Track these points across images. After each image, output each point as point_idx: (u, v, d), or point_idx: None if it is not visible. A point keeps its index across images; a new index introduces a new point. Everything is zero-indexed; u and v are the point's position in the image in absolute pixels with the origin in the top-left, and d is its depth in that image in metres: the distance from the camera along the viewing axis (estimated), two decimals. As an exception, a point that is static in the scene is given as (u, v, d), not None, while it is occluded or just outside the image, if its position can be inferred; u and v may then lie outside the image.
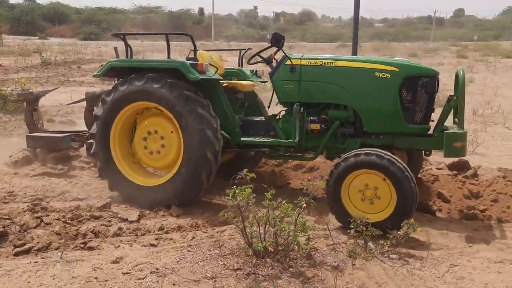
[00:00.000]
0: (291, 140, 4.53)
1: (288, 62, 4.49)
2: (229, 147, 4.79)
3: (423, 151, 4.71)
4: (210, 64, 4.78)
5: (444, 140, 4.04)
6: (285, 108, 4.77)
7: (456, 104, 4.21)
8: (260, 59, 4.81)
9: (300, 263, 3.34)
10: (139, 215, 4.30)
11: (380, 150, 3.92)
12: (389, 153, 3.89)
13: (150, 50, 27.25)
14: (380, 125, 4.37)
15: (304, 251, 3.44)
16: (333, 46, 43.83)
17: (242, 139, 4.75)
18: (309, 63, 4.48)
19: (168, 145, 4.56)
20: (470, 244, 3.87)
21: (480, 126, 8.40)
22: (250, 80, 5.37)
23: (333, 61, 4.44)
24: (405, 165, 3.84)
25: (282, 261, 3.32)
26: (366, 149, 3.97)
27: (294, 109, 4.50)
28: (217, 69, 4.92)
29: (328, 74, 4.42)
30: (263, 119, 4.95)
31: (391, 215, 3.81)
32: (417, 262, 3.49)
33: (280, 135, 4.66)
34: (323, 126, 4.50)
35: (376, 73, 4.27)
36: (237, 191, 3.26)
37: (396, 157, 3.87)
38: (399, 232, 3.62)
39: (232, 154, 5.29)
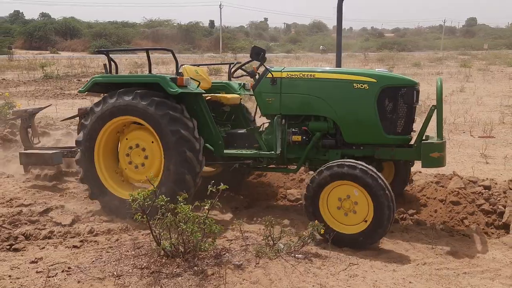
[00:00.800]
0: (273, 152, 4.57)
1: (270, 75, 4.54)
2: (213, 159, 4.88)
3: (409, 162, 4.75)
4: (192, 78, 4.87)
5: (422, 150, 4.07)
6: (269, 120, 4.83)
7: (431, 114, 4.21)
8: (244, 73, 4.90)
9: (207, 262, 3.54)
10: (73, 219, 4.54)
11: (352, 161, 3.92)
12: (362, 163, 3.89)
13: (156, 63, 27.80)
14: (359, 136, 4.41)
15: (214, 251, 3.65)
16: (343, 55, 44.07)
17: (225, 151, 4.80)
18: (289, 75, 4.52)
19: (150, 156, 4.64)
20: (380, 245, 4.03)
21: (446, 134, 8.48)
22: (237, 93, 5.44)
23: (312, 73, 4.49)
24: (379, 174, 3.85)
25: (190, 260, 3.52)
26: (340, 160, 4.00)
27: (275, 121, 4.56)
28: (199, 83, 4.96)
29: (308, 86, 4.47)
30: (246, 131, 4.96)
31: (367, 227, 3.84)
32: (319, 261, 3.67)
33: (262, 147, 4.71)
34: (304, 138, 4.54)
35: (354, 84, 4.31)
36: (137, 193, 3.48)
37: (369, 166, 3.88)
38: (304, 232, 3.82)
39: (219, 167, 5.38)
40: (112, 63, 4.96)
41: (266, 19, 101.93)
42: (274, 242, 3.83)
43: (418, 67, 28.16)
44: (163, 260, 3.52)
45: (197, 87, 4.84)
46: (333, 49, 58.23)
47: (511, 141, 8.24)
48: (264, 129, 4.86)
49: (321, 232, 3.79)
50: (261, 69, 4.70)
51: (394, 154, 4.37)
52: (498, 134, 8.76)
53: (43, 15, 74.20)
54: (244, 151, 4.79)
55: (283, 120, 4.60)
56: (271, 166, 4.94)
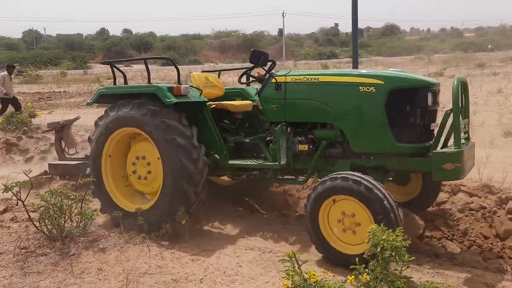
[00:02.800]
0: (277, 163, 4.28)
1: (274, 80, 4.31)
2: (222, 170, 4.74)
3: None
4: (192, 86, 4.69)
5: (432, 161, 3.64)
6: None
7: (446, 119, 3.83)
8: (254, 77, 4.71)
9: (79, 246, 4.03)
10: (5, 208, 5.12)
11: (349, 172, 3.65)
12: (357, 174, 3.57)
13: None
14: (367, 145, 4.01)
15: (94, 237, 4.18)
16: (407, 59, 42.84)
17: (230, 162, 4.58)
18: (294, 80, 4.25)
19: (154, 171, 4.52)
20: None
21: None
22: (252, 100, 5.12)
23: (316, 77, 4.18)
24: (377, 184, 3.50)
25: (67, 244, 4.08)
26: (337, 173, 3.69)
27: (278, 130, 4.27)
28: (201, 91, 4.71)
29: (312, 91, 4.18)
30: (250, 140, 4.75)
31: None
32: (178, 247, 4.07)
33: (267, 157, 4.44)
34: (311, 147, 4.24)
35: (360, 87, 3.92)
36: (13, 183, 4.11)
37: (366, 177, 3.55)
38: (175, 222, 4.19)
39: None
40: (120, 74, 4.96)
41: (336, 25, 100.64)
42: (144, 229, 4.28)
43: (481, 68, 26.65)
44: (45, 243, 4.11)
45: (200, 95, 4.66)
46: (403, 52, 56.83)
47: None
48: (272, 138, 4.52)
49: (183, 223, 4.14)
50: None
51: (407, 165, 3.96)
52: None
53: (125, 31, 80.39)
54: (248, 162, 4.55)
55: (289, 128, 4.34)
56: (279, 177, 4.65)
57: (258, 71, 4.71)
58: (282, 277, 2.47)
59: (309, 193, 3.76)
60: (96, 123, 4.75)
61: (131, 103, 4.44)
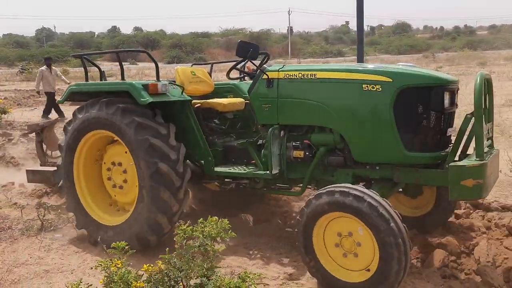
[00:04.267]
0: (268, 172, 3.75)
1: (265, 76, 3.75)
2: (208, 178, 4.25)
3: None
4: (171, 83, 4.24)
5: (449, 176, 3.03)
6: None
7: (466, 126, 3.24)
8: (244, 73, 4.25)
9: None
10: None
11: (349, 185, 3.09)
12: (358, 187, 3.06)
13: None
14: (372, 153, 3.46)
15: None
16: (414, 57, 42.53)
17: (216, 169, 4.07)
18: (287, 76, 3.68)
19: (128, 168, 4.05)
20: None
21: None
22: (245, 97, 4.48)
23: (314, 73, 3.59)
24: (382, 202, 2.95)
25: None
26: (334, 186, 3.14)
27: (269, 133, 3.73)
28: (183, 88, 4.22)
29: (308, 88, 3.61)
30: (238, 145, 4.14)
31: (376, 272, 2.94)
32: (66, 241, 4.22)
33: (258, 165, 3.91)
34: (307, 153, 3.69)
35: (364, 85, 3.35)
36: None
37: (369, 191, 3.00)
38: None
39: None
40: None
41: (347, 23, 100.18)
42: (43, 222, 4.41)
43: (482, 66, 26.37)
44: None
45: (182, 92, 4.16)
46: (411, 50, 56.25)
47: None
48: (263, 142, 3.98)
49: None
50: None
51: (419, 177, 3.40)
52: None
53: (136, 29, 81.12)
54: (237, 170, 4.01)
55: (282, 132, 3.81)
56: (272, 186, 4.11)
57: (248, 66, 4.29)
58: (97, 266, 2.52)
59: (302, 207, 3.22)
60: (65, 128, 4.27)
61: (99, 102, 3.95)
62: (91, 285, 2.44)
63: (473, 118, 3.08)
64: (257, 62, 3.84)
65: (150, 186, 3.69)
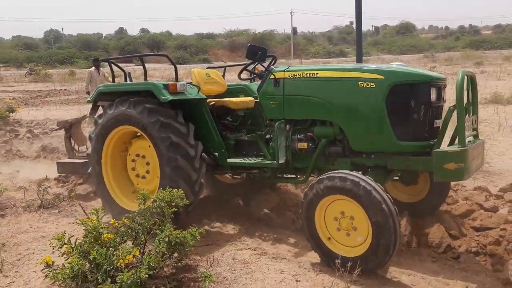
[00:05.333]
0: (275, 162, 4.19)
1: (272, 76, 4.20)
2: (222, 169, 4.70)
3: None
4: (189, 83, 4.68)
5: (434, 160, 3.44)
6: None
7: (449, 116, 3.63)
8: (254, 73, 4.76)
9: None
10: None
11: (347, 171, 3.45)
12: (355, 173, 3.41)
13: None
14: (367, 143, 3.84)
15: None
16: (415, 57, 43.04)
17: (228, 160, 4.51)
18: (292, 75, 4.12)
19: (151, 161, 4.47)
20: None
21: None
22: (255, 96, 4.87)
23: (315, 72, 4.02)
24: (376, 186, 3.30)
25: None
26: (335, 171, 3.51)
27: (276, 127, 4.15)
28: (199, 88, 4.67)
29: (311, 86, 4.03)
30: (248, 138, 4.63)
31: (370, 247, 3.31)
32: (61, 214, 4.96)
33: (266, 155, 4.36)
34: (310, 145, 4.11)
35: (359, 82, 3.75)
36: None
37: (364, 177, 3.36)
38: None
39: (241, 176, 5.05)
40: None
41: (351, 23, 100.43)
42: (42, 200, 5.19)
43: (478, 66, 26.90)
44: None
45: (198, 92, 4.62)
46: (413, 50, 56.61)
47: None
48: (271, 136, 4.40)
49: None
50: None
51: (409, 164, 3.77)
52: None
53: (143, 30, 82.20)
54: (247, 160, 4.47)
55: (288, 126, 4.24)
56: (279, 175, 4.57)
57: (257, 67, 4.68)
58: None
59: (306, 191, 3.60)
60: (95, 122, 4.73)
61: (128, 101, 4.38)
62: (72, 236, 3.19)
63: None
64: (263, 65, 4.30)
65: (170, 178, 4.12)
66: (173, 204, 3.44)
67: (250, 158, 4.52)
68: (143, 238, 3.22)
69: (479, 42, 58.27)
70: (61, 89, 23.12)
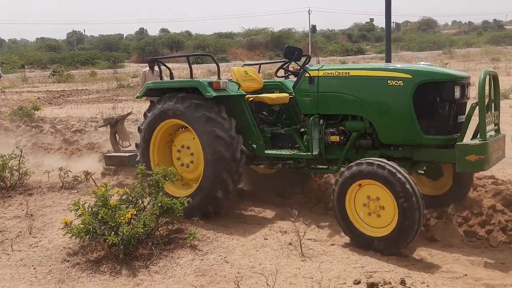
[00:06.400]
0: (309, 153, 4.51)
1: (307, 74, 4.53)
2: (259, 160, 4.99)
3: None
4: (231, 80, 5.02)
5: (456, 152, 3.75)
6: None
7: (472, 112, 3.92)
8: (289, 71, 5.02)
9: (17, 191, 5.83)
10: None
11: (374, 158, 3.83)
12: (381, 160, 3.75)
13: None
14: (395, 136, 4.16)
15: (27, 187, 5.97)
16: (434, 53, 43.03)
17: (266, 151, 4.82)
18: (326, 74, 4.44)
19: (195, 152, 4.80)
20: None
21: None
22: (289, 92, 5.20)
23: (347, 71, 4.36)
24: (400, 169, 3.64)
25: (8, 190, 5.89)
26: (363, 159, 3.86)
27: (311, 122, 4.47)
28: (239, 85, 5.03)
29: (343, 84, 4.35)
30: (285, 132, 4.91)
31: (396, 227, 3.62)
32: (77, 193, 5.77)
33: (301, 147, 4.66)
34: (342, 138, 4.42)
35: (389, 81, 4.07)
36: None
37: (391, 162, 3.70)
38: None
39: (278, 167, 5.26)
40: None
41: (371, 20, 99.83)
42: (63, 182, 6.02)
43: (494, 62, 27.04)
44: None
45: (238, 88, 4.94)
46: (432, 46, 56.22)
47: None
48: (305, 129, 4.71)
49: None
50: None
51: (434, 156, 4.07)
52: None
53: (163, 30, 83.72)
54: (283, 152, 4.77)
55: (321, 120, 4.55)
56: (312, 166, 4.88)
57: (293, 66, 4.98)
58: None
59: (337, 178, 3.94)
60: (145, 114, 5.07)
61: (176, 97, 4.71)
62: (86, 202, 3.99)
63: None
64: (298, 63, 4.73)
65: (213, 168, 4.47)
66: (167, 178, 4.19)
67: (286, 150, 4.81)
68: (141, 203, 4.00)
69: (501, 37, 57.58)
70: (82, 89, 24.25)
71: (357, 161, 3.82)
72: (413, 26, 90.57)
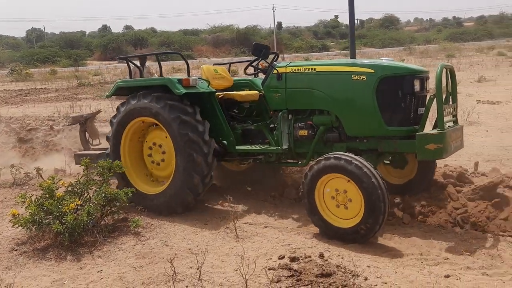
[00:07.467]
0: (279, 148, 4.65)
1: (275, 71, 4.66)
2: (230, 156, 5.10)
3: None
4: (200, 78, 5.05)
5: (416, 142, 3.96)
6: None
7: (430, 104, 4.11)
8: (258, 69, 5.14)
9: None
10: None
11: (342, 153, 3.93)
12: (349, 154, 3.87)
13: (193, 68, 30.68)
14: (360, 129, 4.35)
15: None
16: (396, 50, 44.26)
17: (236, 147, 4.93)
18: (293, 70, 4.58)
19: (167, 150, 4.85)
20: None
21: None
22: (259, 90, 5.31)
23: (314, 67, 4.51)
24: (366, 163, 3.77)
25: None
26: (330, 153, 3.99)
27: (280, 117, 4.62)
28: (209, 82, 5.10)
29: (310, 80, 4.49)
30: (255, 127, 5.04)
31: (362, 218, 3.75)
32: None
33: (271, 142, 4.81)
34: (310, 132, 4.57)
35: (353, 76, 4.24)
36: None
37: (357, 157, 3.83)
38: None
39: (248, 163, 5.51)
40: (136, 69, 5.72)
41: (336, 17, 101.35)
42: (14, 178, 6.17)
43: (449, 58, 28.18)
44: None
45: (208, 86, 5.02)
46: (394, 43, 57.82)
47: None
48: (275, 125, 4.86)
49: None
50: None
51: (397, 147, 4.26)
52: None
53: (127, 27, 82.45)
54: (254, 147, 4.90)
55: (290, 115, 4.70)
56: (282, 160, 5.01)
57: (261, 63, 5.08)
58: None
59: (306, 172, 4.04)
60: (118, 108, 5.08)
61: (151, 95, 4.73)
62: (32, 195, 4.20)
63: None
64: (267, 61, 4.76)
65: (185, 152, 4.52)
66: (112, 170, 4.45)
67: (256, 145, 4.97)
68: (86, 194, 4.24)
69: (459, 34, 59.71)
70: (41, 88, 23.76)
71: (325, 156, 3.97)
72: (376, 23, 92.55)
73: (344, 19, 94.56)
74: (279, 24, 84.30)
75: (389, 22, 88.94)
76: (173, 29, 74.09)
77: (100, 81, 26.18)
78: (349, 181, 3.80)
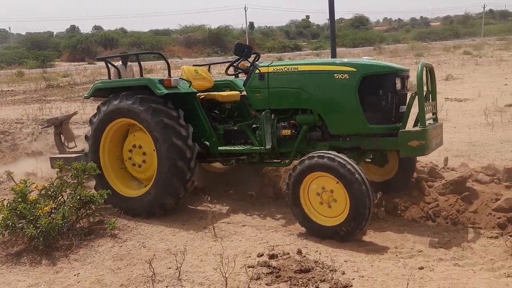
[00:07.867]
0: (262, 147, 4.63)
1: (257, 70, 4.59)
2: (213, 156, 5.04)
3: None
4: (181, 79, 5.00)
5: (399, 139, 4.00)
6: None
7: (412, 102, 4.15)
8: (240, 69, 4.98)
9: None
10: None
11: (333, 152, 3.91)
12: (341, 155, 3.86)
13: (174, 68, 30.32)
14: (343, 127, 4.35)
15: None
16: (366, 49, 44.94)
17: (219, 148, 4.89)
18: (275, 70, 4.55)
19: (148, 161, 4.79)
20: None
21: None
22: (240, 90, 5.33)
23: (296, 66, 4.49)
24: (357, 167, 3.78)
25: None
26: (314, 152, 4.00)
27: (263, 116, 4.59)
28: (190, 82, 5.04)
29: (292, 79, 4.47)
30: (238, 128, 5.01)
31: (345, 220, 3.77)
32: None
33: (254, 142, 4.78)
34: (293, 131, 4.55)
35: (335, 75, 4.25)
36: None
37: (340, 155, 3.86)
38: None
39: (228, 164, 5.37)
40: (115, 69, 5.59)
41: (307, 17, 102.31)
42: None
43: (418, 57, 28.83)
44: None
45: (189, 86, 4.98)
46: (365, 42, 58.77)
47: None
48: (257, 125, 4.81)
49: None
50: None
51: (380, 144, 4.28)
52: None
53: (96, 27, 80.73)
54: (237, 147, 4.87)
55: (273, 115, 4.67)
56: (266, 160, 4.96)
57: (243, 63, 4.97)
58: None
59: (290, 172, 4.05)
60: (98, 108, 4.95)
61: (134, 97, 4.62)
62: (4, 199, 4.08)
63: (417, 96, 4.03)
64: (249, 60, 4.79)
65: (167, 157, 4.44)
66: (86, 172, 4.38)
67: (239, 146, 4.92)
68: (60, 197, 4.17)
69: (426, 33, 61.22)
70: (8, 90, 23.10)
71: (309, 155, 3.97)
72: (347, 23, 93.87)
73: (315, 19, 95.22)
74: (251, 24, 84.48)
75: (359, 22, 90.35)
76: (144, 29, 73.18)
77: (70, 83, 25.64)
78: (338, 182, 3.80)
